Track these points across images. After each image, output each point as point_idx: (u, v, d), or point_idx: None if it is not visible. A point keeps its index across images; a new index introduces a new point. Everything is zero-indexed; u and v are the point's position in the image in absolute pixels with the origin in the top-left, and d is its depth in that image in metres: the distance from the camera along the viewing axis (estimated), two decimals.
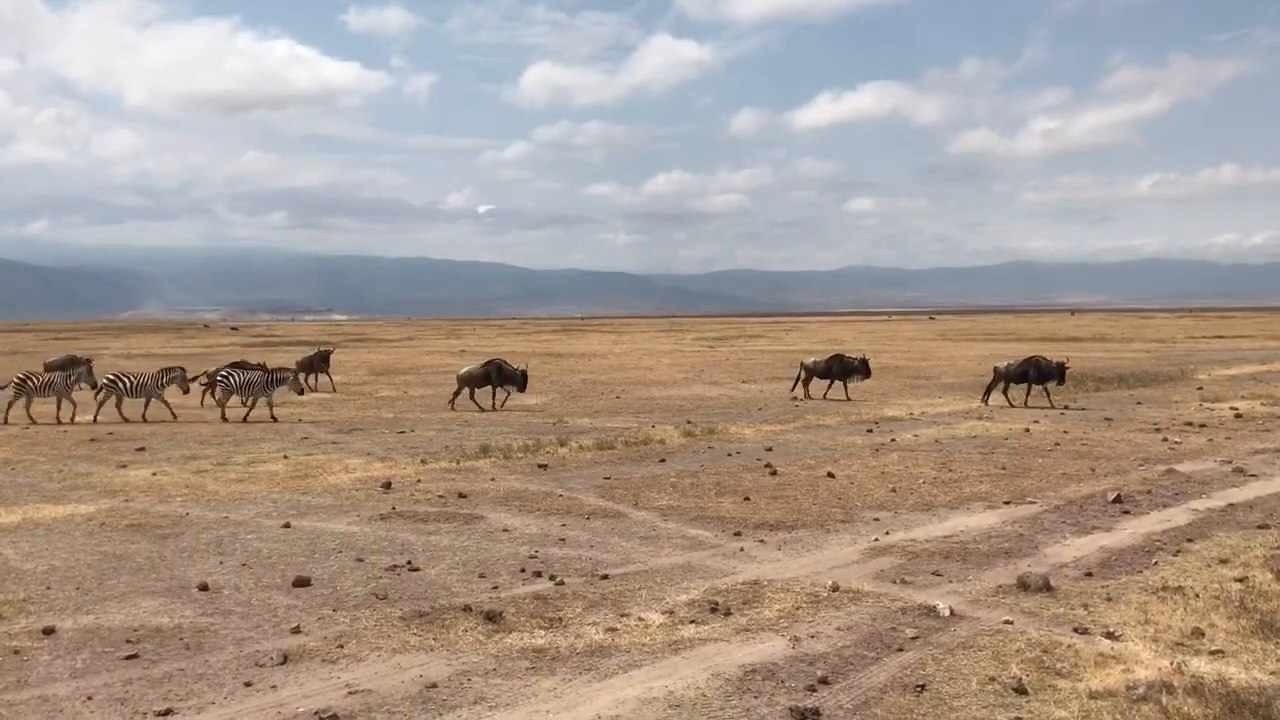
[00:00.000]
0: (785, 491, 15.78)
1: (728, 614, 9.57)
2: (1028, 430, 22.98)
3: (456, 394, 29.22)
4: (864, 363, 31.97)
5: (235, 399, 26.73)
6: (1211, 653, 8.34)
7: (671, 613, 9.61)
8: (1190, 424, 23.85)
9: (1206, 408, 27.45)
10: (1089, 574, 10.88)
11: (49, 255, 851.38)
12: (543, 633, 9.10)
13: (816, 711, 7.30)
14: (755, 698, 7.62)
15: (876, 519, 13.83)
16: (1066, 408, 27.85)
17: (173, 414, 26.42)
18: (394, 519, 13.97)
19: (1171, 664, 8.03)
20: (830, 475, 17.08)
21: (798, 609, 9.72)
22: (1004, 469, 17.72)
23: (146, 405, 26.86)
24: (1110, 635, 8.78)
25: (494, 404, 28.85)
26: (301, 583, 10.64)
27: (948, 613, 9.45)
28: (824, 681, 7.88)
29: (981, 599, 10.00)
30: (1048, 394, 29.35)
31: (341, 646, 8.78)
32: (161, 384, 26.99)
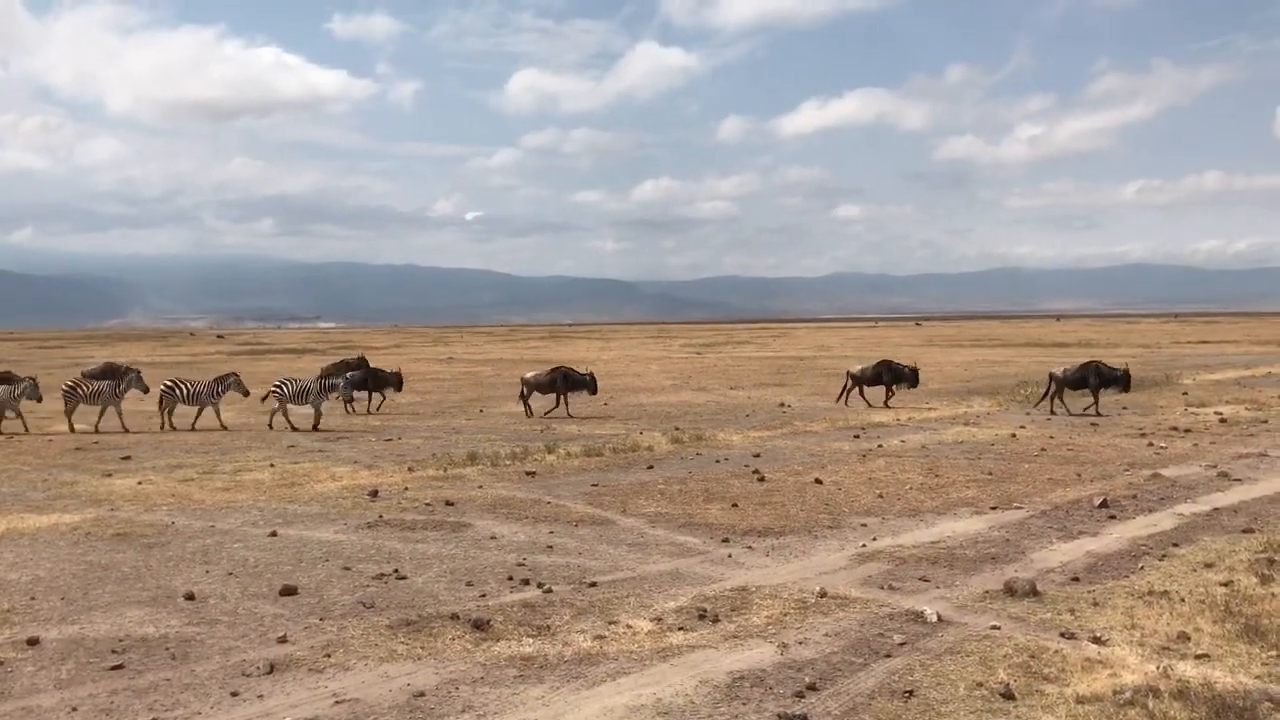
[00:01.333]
0: (773, 498, 15.79)
1: (716, 621, 9.57)
2: (1014, 436, 23.06)
3: (526, 397, 29.00)
4: (914, 371, 31.50)
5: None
6: (1197, 657, 8.37)
7: (660, 620, 9.60)
8: (1175, 429, 23.97)
9: (1191, 413, 27.59)
10: (1075, 579, 10.92)
11: (34, 263, 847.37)
12: (531, 641, 9.08)
13: (805, 718, 7.31)
14: (744, 704, 7.61)
15: (864, 525, 13.85)
16: (1053, 413, 27.94)
17: (222, 424, 26.27)
18: (381, 527, 13.92)
19: (1157, 668, 8.06)
20: (818, 481, 17.10)
21: (786, 615, 9.72)
22: (991, 474, 17.77)
23: (203, 412, 26.64)
24: (1097, 640, 8.80)
25: (566, 410, 28.67)
26: (288, 591, 10.60)
27: (935, 618, 9.46)
28: (812, 688, 7.88)
29: (969, 604, 10.02)
30: (1096, 399, 28.26)
31: (328, 655, 8.74)
32: (217, 392, 26.83)
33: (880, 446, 21.51)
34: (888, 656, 8.57)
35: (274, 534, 13.43)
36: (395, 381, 31.73)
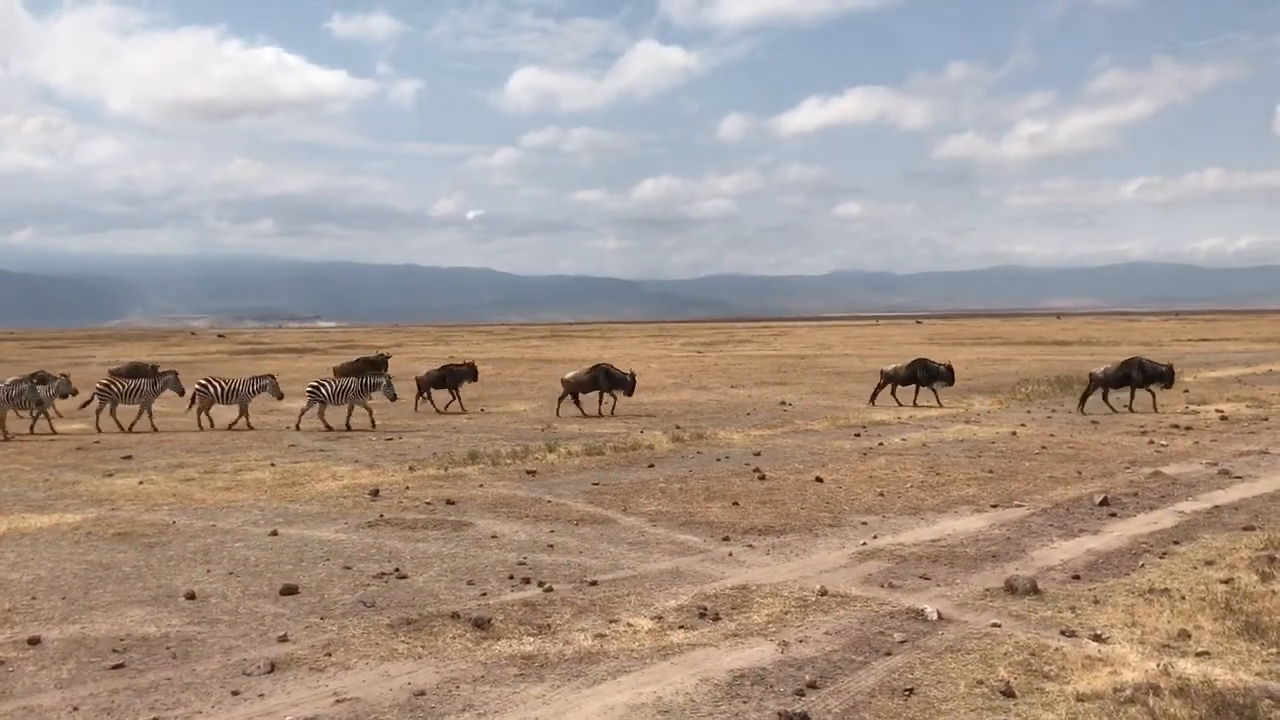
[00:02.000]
0: (774, 496, 15.80)
1: (716, 619, 9.57)
2: (1015, 434, 23.05)
3: (562, 399, 28.92)
4: (949, 369, 30.84)
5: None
6: (1198, 654, 8.38)
7: (660, 618, 9.61)
8: (1176, 427, 23.96)
9: (1192, 410, 27.59)
10: (1076, 577, 10.92)
11: (34, 263, 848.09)
12: (531, 639, 9.08)
13: (805, 716, 7.31)
14: (744, 703, 7.62)
15: (864, 523, 13.85)
16: (1054, 411, 27.94)
17: (248, 424, 26.23)
18: (382, 526, 13.93)
19: (1158, 666, 8.06)
20: (818, 480, 17.11)
21: (786, 613, 9.73)
22: (991, 472, 17.77)
23: (242, 413, 26.61)
24: (1097, 638, 8.81)
25: (599, 410, 28.55)
26: (289, 591, 10.60)
27: (935, 616, 9.47)
28: (812, 686, 7.89)
29: (969, 602, 10.02)
30: (1154, 397, 28.06)
31: (329, 654, 8.75)
32: (253, 391, 26.81)
33: (881, 445, 21.52)
34: (888, 654, 8.57)
35: (275, 533, 13.44)
36: (470, 375, 31.59)
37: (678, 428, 24.57)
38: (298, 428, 25.60)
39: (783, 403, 31.65)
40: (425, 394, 30.85)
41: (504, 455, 20.08)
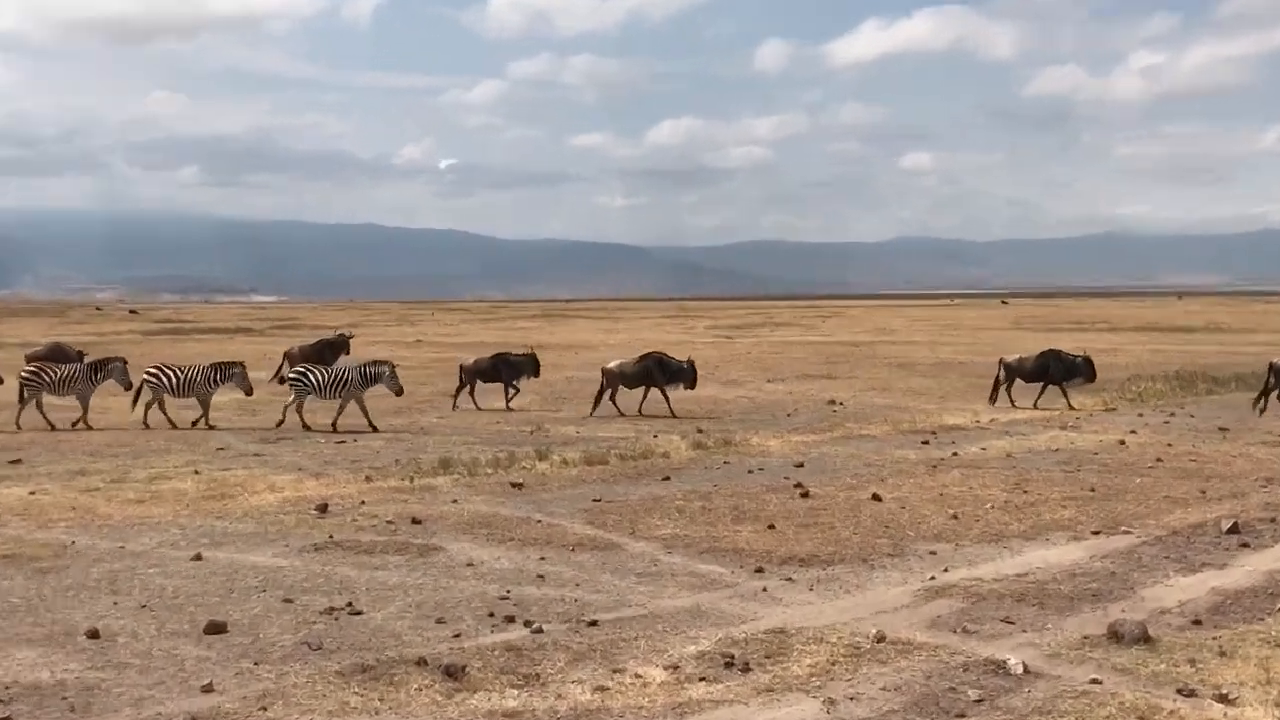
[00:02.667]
0: (819, 518, 15.85)
1: (746, 670, 9.61)
2: (1123, 442, 23.05)
3: (603, 393, 28.97)
4: (1088, 362, 30.00)
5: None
6: None
7: (676, 668, 9.65)
8: None
9: None
10: (1197, 622, 10.93)
11: None
12: (515, 693, 9.13)
13: None
14: None
15: (933, 552, 13.89)
16: (1172, 414, 27.87)
17: (208, 422, 26.22)
18: (331, 550, 14.02)
19: None
20: (876, 498, 17.15)
21: (834, 664, 9.76)
22: (1093, 491, 17.78)
23: (205, 409, 26.57)
24: (1223, 698, 8.81)
25: (667, 405, 28.64)
26: (215, 629, 10.67)
27: (1020, 669, 9.49)
28: None
29: (1063, 652, 10.05)
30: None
31: (264, 709, 8.81)
32: (214, 381, 26.69)
33: (955, 455, 21.54)
34: (960, 716, 8.60)
35: (198, 557, 13.52)
36: (531, 367, 31.45)
37: (700, 431, 24.63)
38: (280, 424, 25.71)
39: (832, 401, 31.69)
40: (470, 387, 30.90)
41: (483, 463, 20.16)
